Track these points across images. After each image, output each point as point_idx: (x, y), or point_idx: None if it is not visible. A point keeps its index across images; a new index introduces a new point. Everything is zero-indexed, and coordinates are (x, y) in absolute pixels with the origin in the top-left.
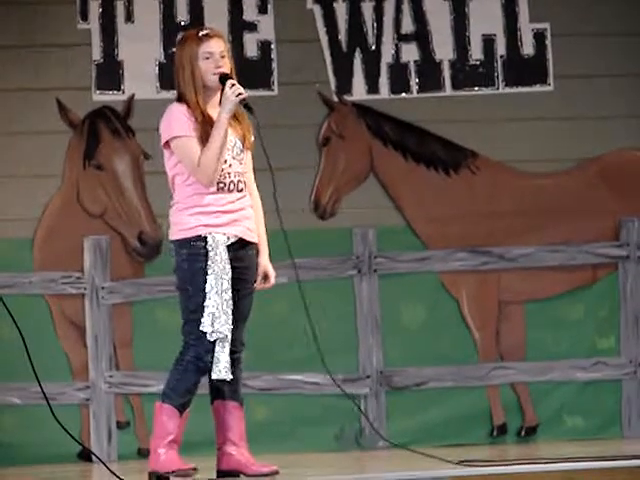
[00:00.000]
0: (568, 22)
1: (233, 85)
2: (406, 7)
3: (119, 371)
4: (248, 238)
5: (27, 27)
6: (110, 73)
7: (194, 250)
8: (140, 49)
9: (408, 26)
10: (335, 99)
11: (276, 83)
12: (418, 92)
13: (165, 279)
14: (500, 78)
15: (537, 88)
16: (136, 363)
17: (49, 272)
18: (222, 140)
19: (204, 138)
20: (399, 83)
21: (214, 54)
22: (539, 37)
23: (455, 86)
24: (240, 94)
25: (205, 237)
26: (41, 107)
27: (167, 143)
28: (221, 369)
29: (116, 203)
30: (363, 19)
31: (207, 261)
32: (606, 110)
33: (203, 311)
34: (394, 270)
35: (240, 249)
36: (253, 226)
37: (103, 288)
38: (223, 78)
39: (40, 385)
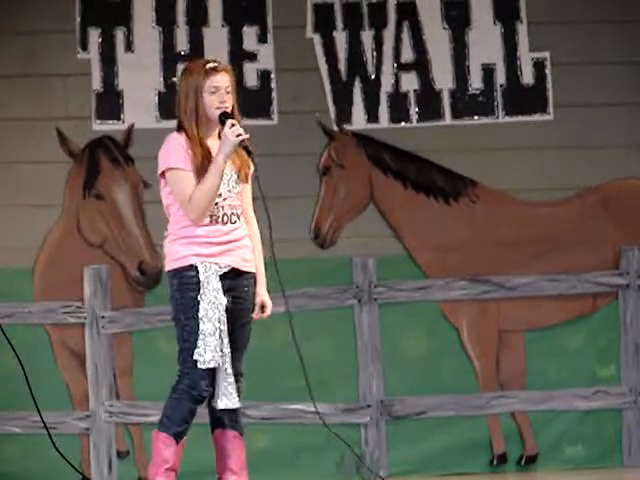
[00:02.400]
0: (568, 51)
1: (233, 125)
2: (406, 36)
3: (119, 400)
4: (243, 268)
5: (27, 56)
6: (110, 102)
7: (185, 279)
8: (140, 79)
9: (408, 55)
10: (335, 128)
11: (276, 112)
12: (418, 121)
13: (165, 309)
14: (500, 107)
15: (537, 117)
16: (136, 392)
17: (49, 302)
18: (217, 180)
19: (200, 171)
20: (399, 112)
21: (220, 89)
22: (539, 66)
23: (455, 115)
24: (239, 135)
25: (196, 266)
26: (41, 137)
27: (163, 173)
28: (227, 397)
29: (116, 232)
30: (363, 48)
31: (199, 290)
32: (606, 139)
33: (196, 340)
34: (394, 299)
35: (235, 279)
36: (249, 256)
37: (103, 317)
38: (223, 116)
39: (40, 414)
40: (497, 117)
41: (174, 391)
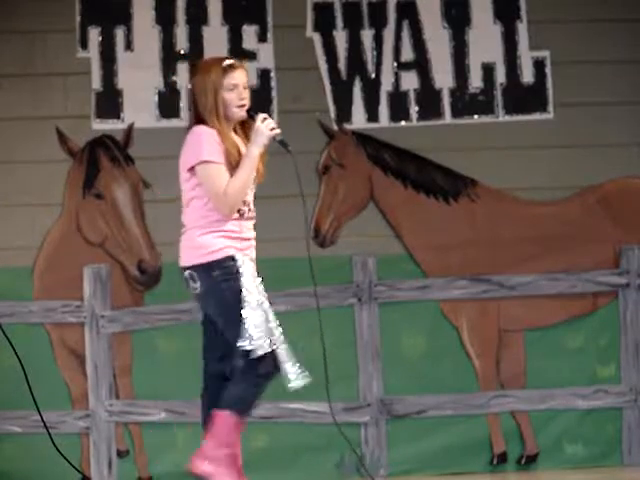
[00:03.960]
0: (568, 50)
1: (265, 119)
2: (406, 35)
3: (119, 400)
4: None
5: (27, 55)
6: (110, 102)
7: (228, 269)
8: (140, 78)
9: (408, 54)
10: (335, 127)
11: (276, 111)
12: (418, 120)
13: (165, 308)
14: (500, 106)
15: (537, 116)
16: (136, 392)
17: (49, 301)
18: (250, 175)
19: (233, 165)
20: (399, 111)
21: (238, 86)
22: (539, 65)
23: (455, 114)
24: (273, 129)
25: (234, 256)
26: (40, 136)
27: (193, 166)
28: (294, 376)
29: (116, 232)
30: (363, 47)
31: (240, 278)
32: (606, 138)
33: (252, 326)
34: (394, 298)
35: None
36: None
37: (103, 317)
38: (252, 111)
39: (40, 414)
40: (497, 116)
41: (244, 374)
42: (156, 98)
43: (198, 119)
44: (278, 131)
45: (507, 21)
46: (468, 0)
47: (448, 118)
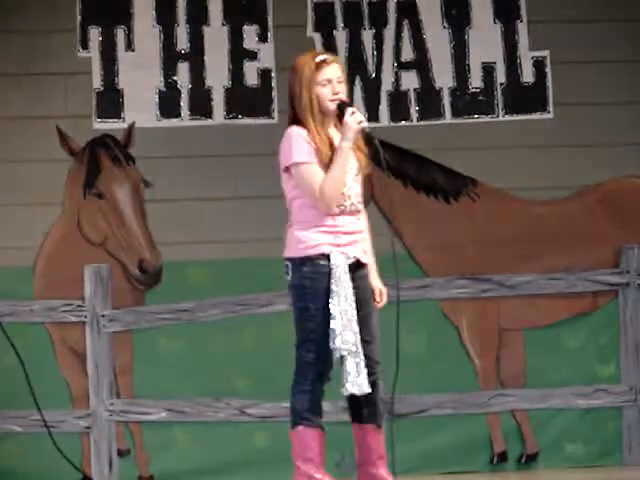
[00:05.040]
0: (568, 50)
1: (353, 113)
2: (406, 35)
3: (120, 399)
4: (363, 260)
5: (27, 55)
6: (110, 101)
7: (317, 268)
8: (140, 77)
9: (408, 54)
10: None
11: (276, 111)
12: (418, 120)
13: (166, 307)
14: (500, 106)
15: (537, 116)
16: (136, 391)
17: (50, 300)
18: (343, 169)
19: (325, 162)
20: (399, 111)
21: (332, 80)
22: (539, 65)
23: (455, 114)
24: (361, 122)
25: (328, 255)
26: (41, 135)
27: (287, 168)
28: (356, 384)
29: (116, 231)
30: (363, 47)
31: (329, 279)
32: (606, 138)
33: (326, 330)
34: (394, 297)
35: (356, 270)
36: (367, 248)
37: (104, 316)
38: (342, 106)
39: (41, 413)
40: (497, 116)
41: (303, 383)
42: (157, 98)
43: (294, 118)
44: (365, 124)
45: (507, 21)
46: (468, 0)
47: (448, 118)
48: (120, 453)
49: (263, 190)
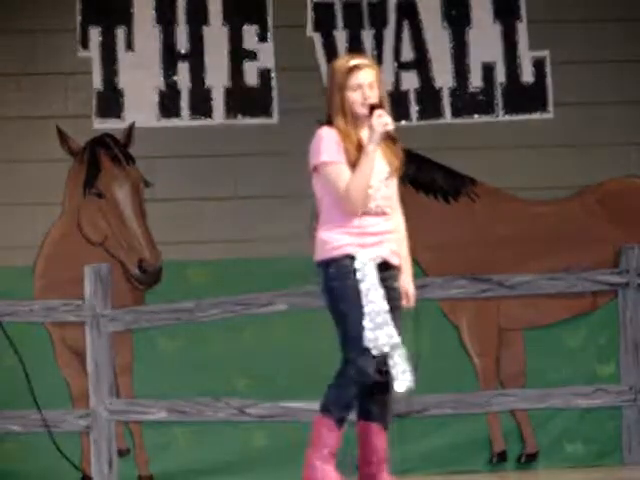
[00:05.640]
0: (567, 50)
1: (380, 116)
2: (406, 35)
3: (119, 398)
4: (392, 260)
5: (28, 55)
6: (110, 101)
7: (343, 268)
8: (140, 77)
9: (408, 54)
10: None
11: (276, 111)
12: (418, 120)
13: (165, 307)
14: (500, 105)
15: (537, 115)
16: (136, 391)
17: (50, 300)
18: (368, 171)
19: (353, 163)
20: (399, 111)
21: (363, 86)
22: (539, 65)
23: (455, 113)
24: (386, 124)
25: (353, 256)
26: (41, 135)
27: (315, 167)
28: (405, 380)
29: (116, 231)
30: (363, 47)
31: (357, 278)
32: (606, 137)
33: (361, 327)
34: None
35: (385, 271)
36: (395, 248)
37: (104, 316)
38: (372, 108)
39: (41, 412)
40: (497, 115)
41: (341, 377)
42: (157, 97)
43: (329, 118)
44: (390, 127)
45: (507, 21)
46: (468, 0)
47: (448, 117)
48: (120, 453)
49: (263, 190)
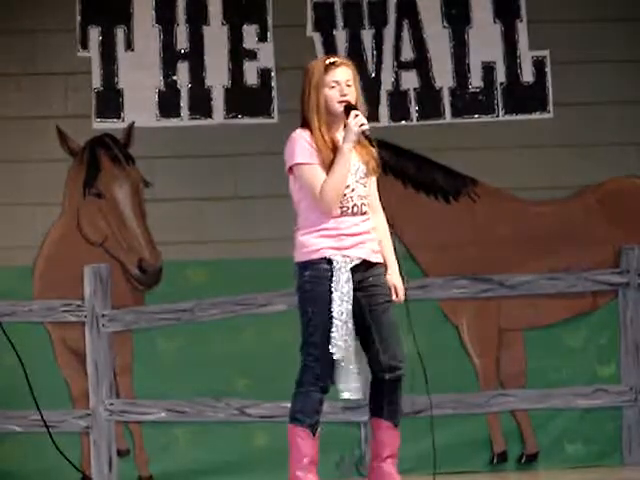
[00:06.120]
0: (568, 49)
1: (357, 116)
2: (406, 35)
3: (119, 399)
4: (373, 259)
5: (27, 55)
6: (110, 101)
7: (318, 272)
8: (140, 77)
9: (408, 54)
10: None
11: (276, 110)
12: (418, 119)
13: (165, 307)
14: (500, 105)
15: (537, 115)
16: (136, 391)
17: (49, 300)
18: (344, 171)
19: (327, 163)
20: (399, 111)
21: (340, 83)
22: (539, 64)
23: (455, 113)
24: (362, 124)
25: (330, 259)
26: (41, 135)
27: (291, 169)
28: (349, 389)
29: (116, 231)
30: (363, 47)
31: (331, 283)
32: (606, 137)
33: (323, 333)
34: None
35: (366, 270)
36: (377, 247)
37: (103, 316)
38: (347, 108)
39: (40, 413)
40: (497, 115)
41: (300, 385)
42: (156, 97)
43: (303, 120)
44: (366, 127)
45: (507, 20)
46: (468, 0)
47: (448, 117)
48: (120, 453)
49: (263, 190)
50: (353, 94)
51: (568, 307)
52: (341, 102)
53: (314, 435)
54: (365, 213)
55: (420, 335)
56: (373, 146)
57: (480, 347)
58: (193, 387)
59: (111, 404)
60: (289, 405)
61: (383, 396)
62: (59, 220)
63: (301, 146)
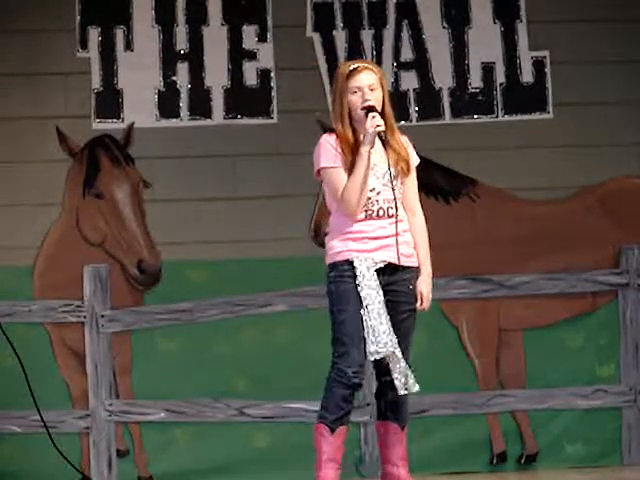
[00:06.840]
0: (567, 50)
1: (374, 117)
2: (405, 35)
3: (119, 399)
4: (402, 263)
5: (27, 55)
6: (110, 101)
7: (341, 272)
8: (139, 77)
9: (407, 54)
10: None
11: (276, 111)
12: (417, 120)
13: (165, 307)
14: (499, 106)
15: (536, 116)
16: (135, 391)
17: (49, 300)
18: (362, 173)
19: (349, 167)
20: (398, 111)
21: (362, 88)
22: (538, 65)
23: (454, 114)
24: (378, 125)
25: (352, 261)
26: (41, 135)
27: (318, 173)
28: (405, 385)
29: (116, 231)
30: (362, 47)
31: (354, 283)
32: (605, 138)
33: (346, 331)
34: None
35: (393, 274)
36: (409, 251)
37: (103, 316)
38: (368, 111)
39: (40, 413)
40: (497, 116)
41: (327, 381)
42: (156, 98)
43: (334, 123)
44: (381, 128)
45: (507, 21)
46: (468, 0)
47: (448, 118)
48: (119, 453)
49: (263, 190)
50: (378, 98)
51: (568, 307)
52: (363, 108)
53: (333, 432)
54: (392, 216)
55: (420, 335)
56: (385, 147)
57: (480, 347)
58: (193, 387)
59: (111, 404)
60: (289, 405)
61: (389, 399)
62: (59, 220)
63: (326, 150)
